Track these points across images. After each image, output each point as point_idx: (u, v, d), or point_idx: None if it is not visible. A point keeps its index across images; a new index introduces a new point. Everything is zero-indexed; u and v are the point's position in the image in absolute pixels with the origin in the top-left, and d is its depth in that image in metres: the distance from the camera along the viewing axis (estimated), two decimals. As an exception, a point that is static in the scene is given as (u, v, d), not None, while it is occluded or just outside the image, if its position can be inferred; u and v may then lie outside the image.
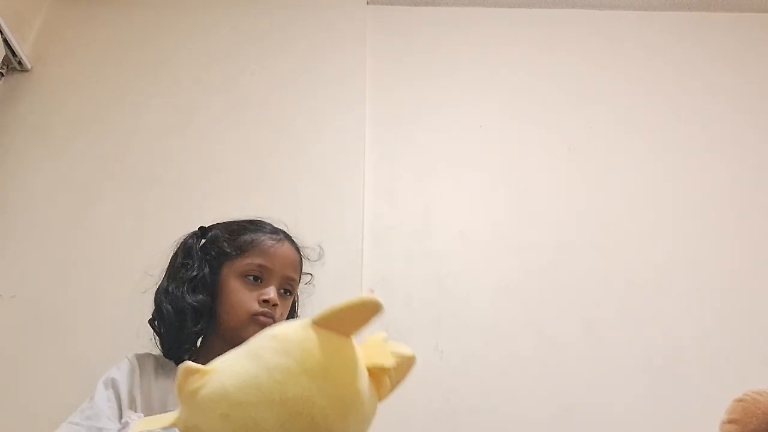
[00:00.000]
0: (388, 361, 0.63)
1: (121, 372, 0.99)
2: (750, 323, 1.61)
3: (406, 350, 0.66)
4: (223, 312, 1.01)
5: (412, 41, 2.05)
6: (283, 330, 0.62)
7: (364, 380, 0.62)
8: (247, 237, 1.05)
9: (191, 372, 0.60)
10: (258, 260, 1.02)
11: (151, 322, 1.05)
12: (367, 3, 2.08)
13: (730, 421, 0.86)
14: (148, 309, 1.09)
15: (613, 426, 1.48)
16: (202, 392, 0.59)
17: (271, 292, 1.00)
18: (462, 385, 1.50)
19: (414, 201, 1.77)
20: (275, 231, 1.10)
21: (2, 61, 1.79)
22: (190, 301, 1.00)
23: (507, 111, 1.93)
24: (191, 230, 1.13)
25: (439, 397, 1.49)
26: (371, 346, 0.65)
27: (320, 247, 1.17)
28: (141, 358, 1.03)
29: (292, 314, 1.14)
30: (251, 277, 1.02)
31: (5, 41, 1.77)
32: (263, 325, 0.97)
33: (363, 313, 0.60)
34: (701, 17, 2.13)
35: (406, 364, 0.66)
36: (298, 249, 1.11)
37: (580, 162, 1.85)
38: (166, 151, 1.77)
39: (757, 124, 1.92)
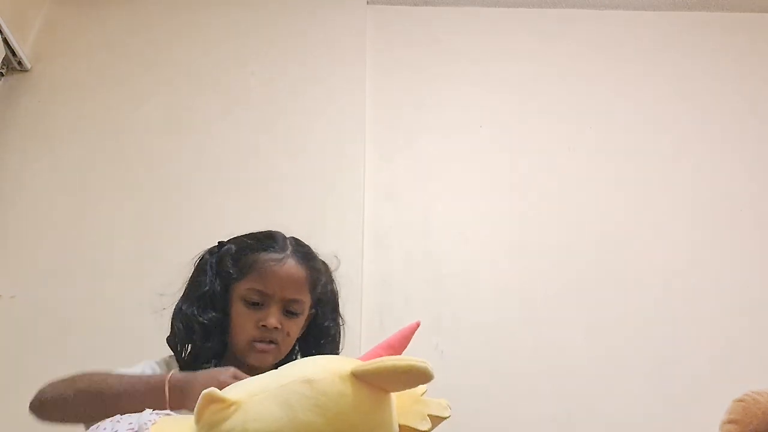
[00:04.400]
0: (423, 426, 0.61)
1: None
2: (750, 323, 1.61)
3: (442, 410, 0.63)
4: (231, 333, 1.02)
5: (412, 41, 2.05)
6: (320, 377, 0.57)
7: None
8: (250, 258, 1.02)
9: (213, 400, 0.56)
10: (256, 285, 1.00)
11: (168, 340, 1.05)
12: (367, 3, 2.08)
13: (730, 421, 0.86)
14: (147, 309, 1.09)
15: (613, 426, 1.48)
16: (222, 427, 0.55)
17: (270, 317, 0.98)
18: (462, 385, 1.50)
19: (414, 201, 1.76)
20: (282, 248, 1.04)
21: (2, 61, 1.79)
22: (200, 318, 1.00)
23: (507, 111, 1.93)
24: (190, 230, 1.14)
25: (439, 397, 1.49)
26: (408, 401, 0.62)
27: (336, 258, 1.13)
28: (168, 364, 1.03)
29: (334, 342, 1.09)
30: (252, 302, 1.00)
31: (5, 41, 1.77)
32: (263, 352, 0.97)
33: (409, 378, 0.56)
34: (701, 17, 2.13)
35: (437, 422, 0.63)
36: (308, 264, 1.04)
37: (581, 162, 1.85)
38: (166, 151, 1.77)
39: (757, 124, 1.92)
